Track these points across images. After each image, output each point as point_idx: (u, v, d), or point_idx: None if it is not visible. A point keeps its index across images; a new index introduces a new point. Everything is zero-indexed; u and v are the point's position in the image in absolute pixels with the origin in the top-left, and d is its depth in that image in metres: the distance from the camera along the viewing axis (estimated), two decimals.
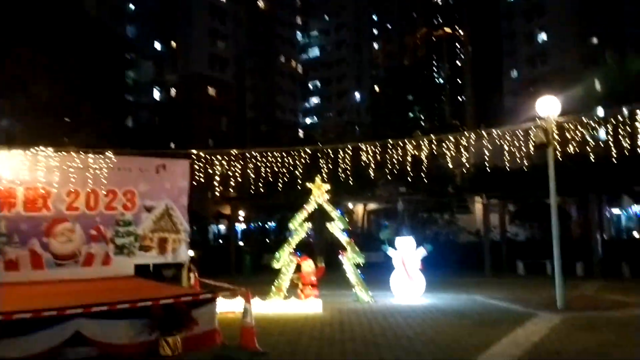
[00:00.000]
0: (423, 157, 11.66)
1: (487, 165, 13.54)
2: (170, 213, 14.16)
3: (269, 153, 11.96)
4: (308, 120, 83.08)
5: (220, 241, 36.78)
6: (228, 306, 10.62)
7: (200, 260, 23.95)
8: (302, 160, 11.76)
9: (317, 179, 12.58)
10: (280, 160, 12.05)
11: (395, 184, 26.36)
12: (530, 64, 59.12)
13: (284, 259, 11.85)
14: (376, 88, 74.12)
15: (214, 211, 37.31)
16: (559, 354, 7.11)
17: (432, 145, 11.58)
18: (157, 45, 59.95)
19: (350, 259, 12.44)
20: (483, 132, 11.64)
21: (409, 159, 11.52)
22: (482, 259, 21.22)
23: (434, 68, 77.71)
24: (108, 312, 7.06)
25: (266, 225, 37.07)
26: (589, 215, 20.72)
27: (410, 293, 12.59)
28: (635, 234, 30.16)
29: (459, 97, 75.85)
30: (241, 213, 32.81)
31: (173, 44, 60.75)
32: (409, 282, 12.47)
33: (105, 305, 6.81)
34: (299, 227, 12.22)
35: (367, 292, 12.46)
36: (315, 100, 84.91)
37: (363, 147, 11.52)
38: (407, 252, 12.71)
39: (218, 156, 12.35)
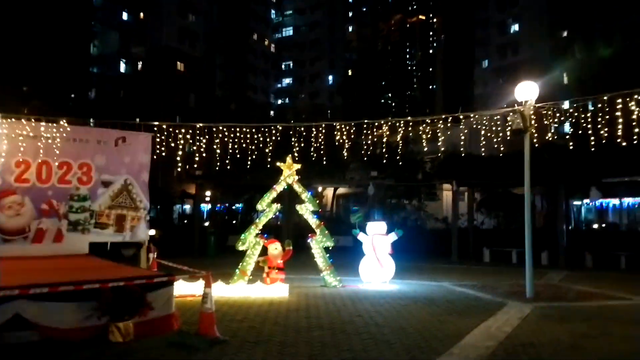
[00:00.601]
0: (396, 140, 11.23)
1: (459, 151, 13.29)
2: (129, 189, 13.36)
3: (237, 129, 11.28)
4: (280, 102, 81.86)
5: (185, 221, 35.78)
6: (187, 289, 10.04)
7: (162, 241, 23.15)
8: (273, 138, 11.14)
9: (288, 159, 12.01)
10: (249, 138, 11.39)
11: (366, 168, 26.08)
12: (501, 54, 59.64)
13: (250, 241, 11.29)
14: (349, 72, 73.68)
15: (179, 190, 36.22)
16: (534, 346, 6.87)
17: (407, 129, 11.15)
18: (125, 16, 57.46)
19: (319, 243, 11.99)
20: (460, 116, 11.28)
21: (383, 141, 11.07)
22: (449, 246, 21.24)
23: (407, 55, 77.65)
24: (52, 293, 6.39)
25: (233, 206, 36.29)
26: (555, 205, 20.95)
27: (379, 279, 12.27)
28: (595, 225, 30.95)
29: (429, 86, 76.17)
30: (208, 193, 31.93)
31: (141, 14, 58.37)
32: (378, 267, 12.14)
33: (47, 287, 6.11)
34: (267, 208, 11.66)
35: (336, 277, 12.08)
36: (287, 81, 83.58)
37: (337, 126, 10.99)
38: (378, 237, 12.36)
39: (182, 130, 11.55)
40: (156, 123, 11.40)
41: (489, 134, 11.46)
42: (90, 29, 52.03)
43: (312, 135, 11.55)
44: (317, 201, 35.30)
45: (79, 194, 12.57)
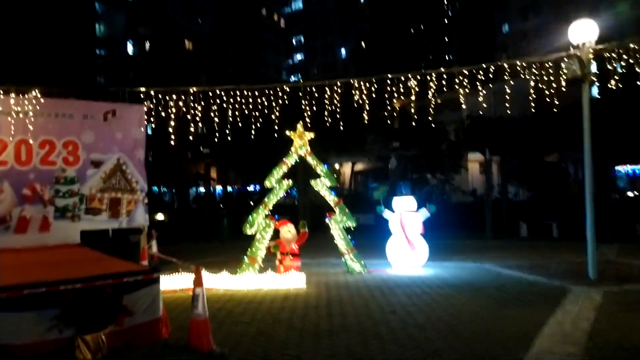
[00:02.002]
0: (413, 104, 9.38)
1: (486, 116, 11.37)
2: (123, 169, 11.80)
3: (237, 93, 9.57)
4: (293, 78, 79.68)
5: (195, 205, 34.52)
6: (184, 282, 8.60)
7: (173, 225, 21.81)
8: (280, 102, 9.41)
9: (299, 126, 10.32)
10: (252, 103, 9.67)
11: (385, 140, 24.24)
12: (522, 16, 56.43)
13: (259, 223, 9.70)
14: (362, 43, 70.82)
15: (193, 172, 34.89)
16: (625, 350, 5.18)
17: (442, 82, 9.27)
18: None
19: (338, 222, 10.35)
20: (504, 64, 9.36)
21: (407, 104, 9.25)
22: (480, 220, 19.44)
23: (422, 21, 74.16)
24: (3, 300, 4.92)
25: (249, 186, 34.87)
26: (601, 171, 18.89)
27: (410, 262, 10.61)
28: (629, 194, 28.70)
29: (446, 55, 72.98)
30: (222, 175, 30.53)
31: None
32: (409, 249, 10.46)
33: None
34: (277, 185, 10.02)
35: (360, 261, 10.45)
36: (299, 57, 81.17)
37: (354, 84, 9.17)
38: (407, 214, 10.66)
39: (173, 96, 9.91)
40: (142, 89, 9.72)
41: (538, 87, 9.53)
42: (94, 9, 50.53)
43: (326, 96, 9.78)
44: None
45: (66, 176, 11.06)
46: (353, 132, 18.51)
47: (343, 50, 75.14)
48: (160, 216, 20.67)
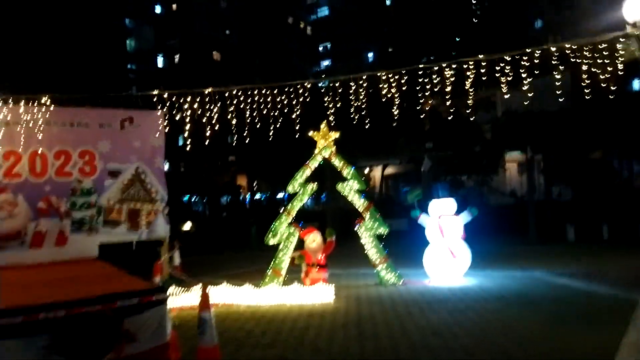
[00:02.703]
0: (466, 86, 8.40)
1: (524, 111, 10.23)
2: (142, 178, 11.29)
3: (258, 93, 8.85)
4: (320, 85, 79.11)
5: (225, 214, 34.13)
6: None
7: (200, 235, 21.34)
8: (303, 101, 8.63)
9: (323, 126, 9.54)
10: (274, 103, 8.95)
11: (417, 141, 23.16)
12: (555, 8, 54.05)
13: (281, 232, 8.94)
14: (389, 47, 69.65)
15: (223, 181, 34.64)
16: None
17: (480, 71, 8.28)
18: (158, 9, 56.67)
19: (369, 229, 9.48)
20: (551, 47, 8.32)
21: (447, 90, 8.28)
22: (522, 223, 18.16)
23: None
24: None
25: (278, 194, 34.29)
26: None
27: (451, 272, 9.62)
28: None
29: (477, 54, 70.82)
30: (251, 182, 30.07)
31: (174, 6, 57.38)
32: (449, 257, 9.48)
33: None
34: (300, 190, 9.25)
35: (394, 271, 9.54)
36: (326, 63, 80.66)
37: (382, 76, 8.29)
38: (446, 219, 9.68)
39: (188, 98, 9.30)
40: (154, 92, 9.14)
41: (588, 74, 8.43)
42: (124, 25, 51.50)
43: (351, 93, 8.96)
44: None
45: (82, 187, 10.62)
46: (382, 133, 17.62)
47: (370, 55, 74.20)
48: (187, 226, 20.24)
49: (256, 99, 9.07)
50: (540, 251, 14.47)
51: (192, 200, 44.80)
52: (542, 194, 19.52)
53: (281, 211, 9.21)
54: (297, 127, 9.36)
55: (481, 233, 16.64)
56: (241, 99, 8.86)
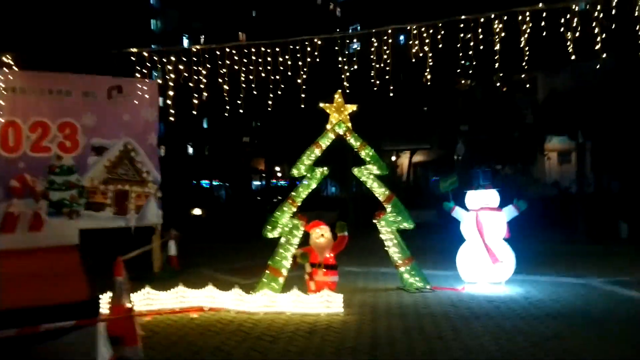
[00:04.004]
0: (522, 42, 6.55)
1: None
2: (131, 156, 9.89)
3: (251, 50, 7.20)
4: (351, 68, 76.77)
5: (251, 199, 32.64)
6: (191, 299, 6.56)
7: (214, 221, 20.00)
8: (308, 60, 6.98)
9: (337, 96, 7.85)
10: (271, 64, 7.32)
11: (449, 124, 21.15)
12: None
13: (283, 225, 7.35)
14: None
15: (249, 164, 33.26)
16: None
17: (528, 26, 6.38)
18: None
19: (390, 224, 7.80)
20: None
21: (493, 49, 6.49)
22: (568, 218, 16.12)
23: None
24: None
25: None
26: None
27: (490, 278, 7.87)
28: None
29: None
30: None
31: None
32: (488, 260, 7.71)
33: None
34: (308, 174, 7.62)
35: (421, 275, 7.86)
36: (355, 46, 78.29)
37: (413, 30, 6.52)
38: (486, 214, 7.89)
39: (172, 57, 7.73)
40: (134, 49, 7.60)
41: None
42: (149, 4, 50.71)
43: (374, 58, 7.24)
44: (390, 173, 30.89)
45: (62, 164, 9.31)
46: (411, 109, 15.83)
47: (402, 37, 71.44)
48: (197, 211, 18.98)
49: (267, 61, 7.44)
50: (591, 252, 12.47)
51: (214, 185, 43.84)
52: (590, 185, 17.32)
53: (286, 199, 7.56)
54: (307, 99, 7.76)
55: (523, 228, 14.76)
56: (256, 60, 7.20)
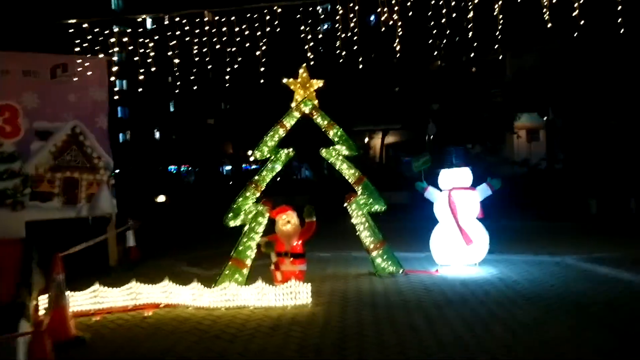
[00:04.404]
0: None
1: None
2: (80, 140, 9.11)
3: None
4: None
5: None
6: (147, 295, 6.03)
7: (178, 208, 19.18)
8: (267, 29, 6.39)
9: (302, 71, 7.30)
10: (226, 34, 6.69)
11: (420, 103, 20.85)
12: None
13: (246, 211, 6.83)
14: None
15: (220, 149, 32.19)
16: None
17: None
18: None
19: (362, 207, 7.38)
20: None
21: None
22: (537, 196, 16.11)
23: None
24: None
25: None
26: None
27: (464, 259, 7.56)
28: None
29: None
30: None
31: None
32: (463, 242, 7.38)
33: None
34: (272, 156, 7.09)
35: (393, 259, 7.49)
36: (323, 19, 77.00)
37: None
38: (459, 193, 7.55)
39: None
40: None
41: None
42: None
43: (339, 27, 6.69)
44: (363, 154, 30.34)
45: (2, 151, 8.47)
46: (381, 89, 15.39)
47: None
48: (161, 198, 18.19)
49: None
50: (563, 228, 12.45)
51: (183, 170, 42.65)
52: (558, 162, 17.35)
53: (248, 185, 7.00)
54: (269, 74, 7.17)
55: (492, 207, 14.61)
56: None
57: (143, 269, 9.24)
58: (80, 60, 8.79)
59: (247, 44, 6.81)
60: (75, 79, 8.95)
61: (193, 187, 26.04)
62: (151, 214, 15.09)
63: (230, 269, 6.69)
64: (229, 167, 38.55)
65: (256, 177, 6.97)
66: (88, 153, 9.10)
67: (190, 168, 41.43)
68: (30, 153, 8.64)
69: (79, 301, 6.04)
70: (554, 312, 5.44)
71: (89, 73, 9.00)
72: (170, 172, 35.28)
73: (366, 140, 31.25)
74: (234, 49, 7.03)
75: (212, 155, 30.14)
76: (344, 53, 7.01)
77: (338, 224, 9.56)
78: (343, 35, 6.98)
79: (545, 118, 17.43)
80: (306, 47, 6.86)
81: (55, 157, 8.83)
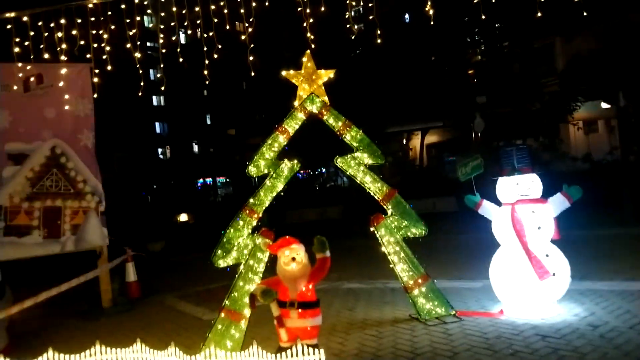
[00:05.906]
0: None
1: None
2: (61, 163, 7.80)
3: None
4: None
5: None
6: None
7: (193, 228, 17.67)
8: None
9: (306, 59, 5.66)
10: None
11: (464, 97, 18.76)
12: None
13: (241, 247, 5.21)
14: None
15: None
16: None
17: None
18: None
19: (394, 231, 5.63)
20: None
21: None
22: (609, 196, 13.74)
23: None
24: None
25: (316, 171, 30.23)
26: None
27: (539, 297, 5.62)
28: None
29: None
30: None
31: None
32: (533, 274, 5.46)
33: None
34: (270, 171, 5.46)
35: (439, 298, 5.68)
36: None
37: None
38: (524, 207, 5.64)
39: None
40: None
41: None
42: None
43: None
44: (402, 156, 28.13)
45: None
46: (414, 82, 13.40)
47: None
48: (183, 217, 16.92)
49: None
50: None
51: (219, 182, 41.93)
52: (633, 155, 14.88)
53: (241, 210, 5.38)
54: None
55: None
56: None
57: (140, 309, 7.87)
58: (57, 69, 7.51)
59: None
60: (53, 91, 7.71)
61: (221, 204, 24.75)
62: (170, 236, 13.83)
63: (223, 323, 5.07)
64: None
65: (251, 200, 5.33)
66: (71, 177, 7.79)
67: (226, 180, 40.67)
68: (3, 181, 7.42)
69: None
70: None
71: (70, 83, 7.73)
72: (196, 186, 34.28)
73: (404, 141, 29.29)
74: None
75: (241, 166, 29.12)
76: (379, 41, 5.41)
77: (375, 241, 7.90)
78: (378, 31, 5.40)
79: (609, 106, 15.02)
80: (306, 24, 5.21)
81: (32, 184, 7.58)
